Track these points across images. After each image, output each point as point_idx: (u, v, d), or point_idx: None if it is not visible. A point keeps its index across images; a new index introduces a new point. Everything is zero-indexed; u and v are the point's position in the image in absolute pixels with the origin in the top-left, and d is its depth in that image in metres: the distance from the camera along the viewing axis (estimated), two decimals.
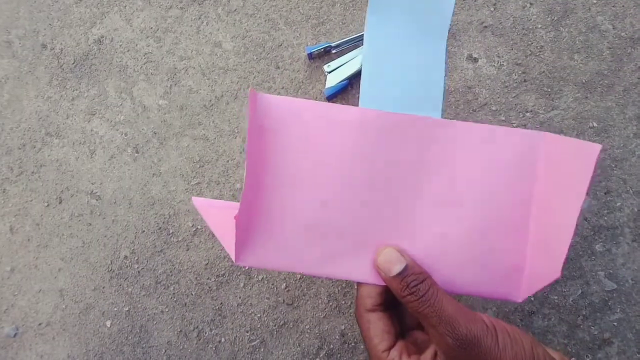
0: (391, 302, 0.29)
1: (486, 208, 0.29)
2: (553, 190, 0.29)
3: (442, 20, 0.33)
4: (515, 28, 0.42)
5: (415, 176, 0.30)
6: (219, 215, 0.30)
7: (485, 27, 0.42)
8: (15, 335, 0.42)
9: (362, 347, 0.40)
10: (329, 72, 0.41)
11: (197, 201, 0.31)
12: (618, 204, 0.39)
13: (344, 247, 0.29)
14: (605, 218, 0.39)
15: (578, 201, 0.27)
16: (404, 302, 0.27)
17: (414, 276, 0.27)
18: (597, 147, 0.26)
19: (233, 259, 0.29)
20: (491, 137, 0.30)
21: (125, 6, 0.44)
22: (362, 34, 0.41)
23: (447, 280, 0.29)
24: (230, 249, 0.28)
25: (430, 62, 0.33)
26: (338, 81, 0.41)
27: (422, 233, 0.29)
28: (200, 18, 0.44)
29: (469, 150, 0.30)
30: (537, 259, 0.29)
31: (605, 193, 0.40)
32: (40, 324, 0.42)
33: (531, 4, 0.42)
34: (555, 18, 0.41)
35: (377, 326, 0.28)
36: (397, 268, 0.27)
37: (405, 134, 0.30)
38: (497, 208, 0.29)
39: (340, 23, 0.43)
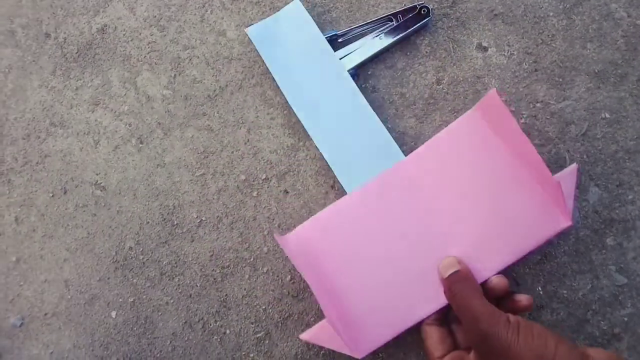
0: (447, 318, 0.35)
1: (490, 189, 0.36)
2: (509, 136, 0.35)
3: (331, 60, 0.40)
4: (527, 16, 0.41)
5: (427, 207, 0.37)
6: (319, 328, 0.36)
7: (496, 15, 0.41)
8: (21, 325, 0.42)
9: None
10: None
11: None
12: (630, 197, 0.39)
13: (414, 293, 0.35)
14: (617, 211, 0.39)
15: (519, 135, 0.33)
16: (448, 299, 0.33)
17: (456, 278, 0.33)
18: (493, 91, 0.34)
19: (357, 356, 0.34)
20: (446, 143, 0.37)
21: None
22: (369, 22, 0.40)
23: (503, 256, 0.35)
24: (346, 350, 0.34)
25: (357, 112, 0.39)
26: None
27: (457, 241, 0.36)
28: (204, 6, 0.43)
29: (444, 163, 0.37)
30: (550, 187, 0.34)
31: (617, 186, 0.39)
32: (46, 314, 0.42)
33: None
34: (568, 5, 0.40)
35: (433, 337, 0.34)
36: (449, 271, 0.33)
37: (396, 187, 0.37)
38: (497, 182, 0.36)
39: (347, 11, 0.42)
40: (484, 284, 0.34)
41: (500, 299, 0.34)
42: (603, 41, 0.40)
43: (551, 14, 0.40)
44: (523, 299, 0.33)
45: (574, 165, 0.36)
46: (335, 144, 0.39)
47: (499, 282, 0.34)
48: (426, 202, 0.37)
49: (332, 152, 0.39)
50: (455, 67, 0.41)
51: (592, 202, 0.39)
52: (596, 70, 0.40)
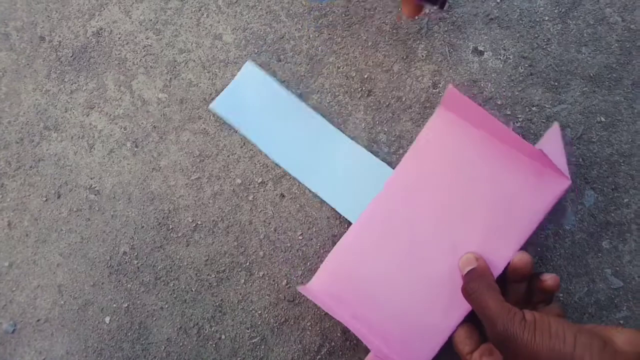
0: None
1: (483, 176, 0.36)
2: (482, 124, 0.36)
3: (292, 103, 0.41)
4: (522, 20, 0.41)
5: (429, 214, 0.37)
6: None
7: (491, 19, 0.41)
8: (13, 331, 0.41)
9: (363, 345, 0.39)
10: None
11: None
12: (625, 200, 0.39)
13: (443, 300, 0.36)
14: (612, 214, 0.39)
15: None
16: (465, 298, 0.33)
17: (471, 276, 0.33)
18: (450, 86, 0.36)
19: None
20: (426, 147, 0.38)
21: None
22: None
23: (515, 238, 0.35)
24: None
25: (338, 147, 0.40)
26: None
27: (467, 238, 0.36)
28: (200, 10, 0.43)
29: (432, 165, 0.37)
30: (538, 157, 0.34)
31: (612, 189, 0.39)
32: (38, 320, 0.41)
33: None
34: (563, 10, 0.41)
35: (461, 334, 0.34)
36: (467, 268, 0.34)
37: (395, 203, 0.38)
38: (488, 167, 0.36)
39: (343, 15, 0.42)
40: (507, 268, 0.34)
41: (529, 280, 0.34)
42: (598, 45, 0.40)
43: (546, 18, 0.41)
44: (548, 278, 0.33)
45: (555, 125, 0.37)
46: (328, 181, 0.40)
47: (520, 259, 0.34)
48: (428, 208, 0.37)
49: (328, 191, 0.40)
50: (451, 70, 0.41)
51: (587, 206, 0.39)
52: (591, 74, 0.40)
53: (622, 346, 0.27)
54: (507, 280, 0.35)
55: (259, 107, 0.41)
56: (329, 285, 0.37)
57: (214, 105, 0.41)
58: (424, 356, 0.35)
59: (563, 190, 0.34)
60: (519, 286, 0.34)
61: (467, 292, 0.33)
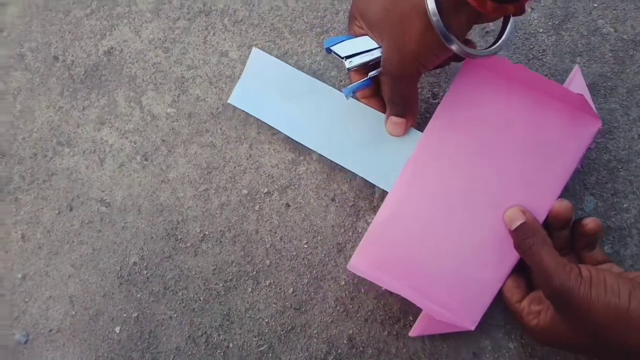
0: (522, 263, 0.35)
1: (516, 125, 0.36)
2: (509, 74, 0.36)
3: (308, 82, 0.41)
4: (517, 33, 0.42)
5: (466, 172, 0.37)
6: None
7: (487, 32, 0.43)
8: (26, 341, 0.42)
9: (370, 352, 0.40)
10: (351, 69, 0.36)
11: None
12: (625, 205, 0.39)
13: (488, 258, 0.36)
14: (613, 219, 0.39)
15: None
16: (519, 254, 0.34)
17: (524, 232, 0.33)
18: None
19: (470, 327, 0.36)
20: (455, 102, 0.38)
21: (134, 18, 0.46)
22: None
23: (554, 184, 0.35)
24: (457, 327, 0.36)
25: (360, 117, 0.40)
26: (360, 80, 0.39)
27: (508, 191, 0.36)
28: (207, 29, 0.45)
29: (463, 121, 0.37)
30: (569, 99, 0.35)
31: (612, 194, 0.39)
32: (50, 331, 0.42)
33: (532, 8, 0.42)
34: (557, 22, 0.42)
35: (510, 284, 0.35)
36: (516, 223, 0.34)
37: (428, 165, 0.38)
38: (520, 115, 0.36)
39: (344, 31, 0.44)
40: (549, 216, 0.35)
41: (571, 227, 0.35)
42: (592, 55, 0.41)
43: (541, 30, 0.42)
44: (589, 222, 0.34)
45: (575, 69, 0.37)
46: (356, 154, 0.39)
47: (560, 206, 0.34)
48: (462, 166, 0.37)
49: (358, 163, 0.39)
50: (449, 82, 0.42)
51: (588, 211, 0.40)
52: (587, 84, 0.41)
53: None
54: (550, 227, 0.35)
55: (275, 91, 0.41)
56: (375, 258, 0.37)
57: (233, 100, 0.41)
58: (478, 311, 0.36)
59: (596, 131, 0.35)
60: (561, 233, 0.35)
61: (522, 249, 0.33)
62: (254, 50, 0.42)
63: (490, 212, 0.36)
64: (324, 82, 0.42)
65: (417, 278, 0.37)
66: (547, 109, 0.36)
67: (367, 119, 0.40)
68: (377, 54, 0.35)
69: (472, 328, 0.36)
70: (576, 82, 0.36)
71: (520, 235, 0.33)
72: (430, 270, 0.37)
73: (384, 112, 0.38)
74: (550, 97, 0.36)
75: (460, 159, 0.37)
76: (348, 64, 0.35)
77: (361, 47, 0.35)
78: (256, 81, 0.41)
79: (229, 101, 0.42)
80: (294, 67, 0.41)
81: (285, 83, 0.41)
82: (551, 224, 0.35)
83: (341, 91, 0.39)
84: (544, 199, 0.35)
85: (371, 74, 0.36)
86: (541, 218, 0.35)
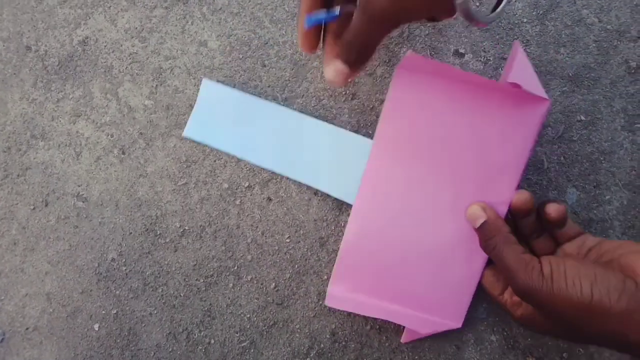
0: None
1: (463, 122, 0.36)
2: (445, 75, 0.35)
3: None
4: (501, 23, 0.41)
5: (421, 176, 0.36)
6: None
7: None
8: (2, 340, 0.41)
9: (352, 346, 0.40)
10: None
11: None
12: (607, 197, 0.39)
13: (461, 256, 0.36)
14: (595, 211, 0.39)
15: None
16: (485, 253, 0.34)
17: (487, 232, 0.33)
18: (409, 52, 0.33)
19: (458, 325, 0.37)
20: (398, 108, 0.36)
21: (110, 7, 0.44)
22: None
23: (512, 172, 0.35)
24: (446, 326, 0.37)
25: (313, 132, 0.40)
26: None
27: (466, 189, 0.36)
28: (185, 17, 0.43)
29: (409, 126, 0.36)
30: (510, 86, 0.34)
31: (594, 186, 0.39)
32: (27, 329, 0.41)
33: None
34: (541, 12, 0.41)
35: (488, 277, 0.35)
36: (479, 222, 0.34)
37: (383, 173, 0.37)
38: (466, 111, 0.35)
39: None
40: (511, 208, 0.35)
41: (537, 211, 0.34)
42: (576, 46, 0.41)
43: (525, 20, 0.41)
44: (552, 211, 0.33)
45: (515, 44, 0.35)
46: (315, 170, 0.40)
47: (519, 199, 0.34)
48: (419, 171, 0.36)
49: (318, 179, 0.40)
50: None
51: (570, 204, 0.39)
52: (570, 74, 0.40)
53: None
54: (514, 217, 0.35)
55: (229, 119, 0.41)
56: (351, 281, 0.37)
57: (187, 133, 0.41)
58: (462, 308, 0.36)
59: (544, 112, 0.34)
60: (527, 220, 0.35)
61: (486, 249, 0.33)
62: (204, 81, 0.42)
63: (453, 211, 0.36)
64: (305, 74, 0.41)
65: (394, 289, 0.37)
66: (490, 101, 0.35)
67: (323, 135, 0.40)
68: None
69: (459, 325, 0.37)
70: (519, 60, 0.35)
71: (483, 235, 0.33)
72: (407, 279, 0.37)
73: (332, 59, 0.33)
74: (492, 88, 0.35)
75: (415, 164, 0.36)
76: None
77: None
78: (209, 111, 0.42)
79: (183, 134, 0.41)
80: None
81: (238, 109, 0.41)
82: (514, 214, 0.35)
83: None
84: (504, 191, 0.35)
85: (343, 6, 0.33)
86: (503, 211, 0.35)
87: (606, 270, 0.28)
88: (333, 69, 0.32)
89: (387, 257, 0.37)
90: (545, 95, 0.33)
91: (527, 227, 0.35)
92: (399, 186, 0.37)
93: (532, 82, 0.33)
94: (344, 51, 0.32)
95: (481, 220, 0.34)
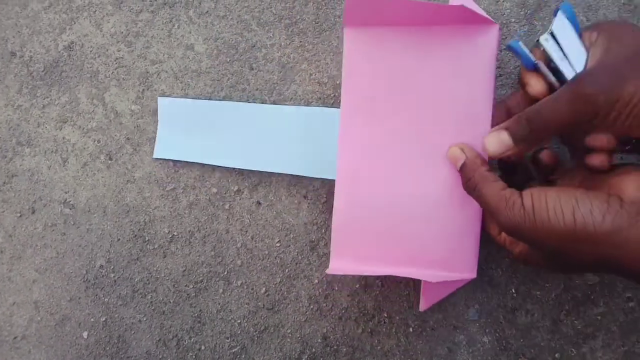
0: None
1: (421, 66, 0.34)
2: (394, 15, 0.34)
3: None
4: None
5: (396, 128, 0.35)
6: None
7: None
8: None
9: (344, 350, 0.39)
10: (540, 46, 0.31)
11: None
12: None
13: (457, 196, 0.34)
14: None
15: None
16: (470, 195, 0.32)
17: (466, 173, 0.31)
18: None
19: (473, 276, 0.34)
20: (357, 69, 0.35)
21: (95, 11, 0.44)
22: None
23: (484, 102, 0.33)
24: (463, 281, 0.35)
25: (277, 119, 0.39)
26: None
27: (442, 131, 0.34)
28: (171, 21, 0.43)
29: (370, 85, 0.35)
30: (457, 13, 0.33)
31: None
32: (15, 338, 0.41)
33: None
34: (529, 12, 0.41)
35: (485, 218, 0.34)
36: (458, 164, 0.32)
37: (356, 140, 0.36)
38: (423, 55, 0.34)
39: (314, 22, 0.43)
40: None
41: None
42: None
43: (513, 20, 0.41)
44: (544, 155, 0.32)
45: None
46: (293, 156, 0.39)
47: (497, 150, 0.31)
48: (393, 126, 0.35)
49: (296, 166, 0.39)
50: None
51: None
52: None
53: (633, 193, 0.25)
54: (504, 167, 0.35)
55: (194, 130, 0.41)
56: (351, 251, 0.36)
57: (157, 154, 0.41)
58: (472, 257, 0.35)
59: (497, 37, 0.33)
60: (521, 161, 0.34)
61: (468, 191, 0.32)
62: (159, 99, 0.42)
63: (437, 158, 0.34)
64: (293, 77, 0.40)
65: (399, 252, 0.35)
66: (441, 40, 0.34)
67: (288, 119, 0.39)
68: (570, 68, 0.29)
69: (474, 275, 0.35)
70: None
71: (464, 176, 0.32)
72: (408, 238, 0.35)
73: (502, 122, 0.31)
74: (437, 24, 0.34)
75: (387, 120, 0.35)
76: (544, 40, 0.30)
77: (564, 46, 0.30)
78: (172, 127, 0.41)
79: (154, 156, 0.41)
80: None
81: (198, 118, 0.41)
82: (506, 160, 0.34)
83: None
84: (481, 124, 0.33)
85: (546, 71, 0.30)
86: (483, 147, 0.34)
87: (588, 193, 0.26)
88: (497, 139, 0.30)
89: (383, 220, 0.35)
90: (490, 19, 0.33)
91: (522, 172, 0.34)
92: (377, 146, 0.35)
93: (475, 7, 0.33)
94: (517, 125, 0.29)
95: (461, 162, 0.32)
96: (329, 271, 0.34)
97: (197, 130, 0.41)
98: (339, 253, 0.36)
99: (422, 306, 0.36)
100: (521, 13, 0.41)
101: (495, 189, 0.29)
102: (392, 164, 0.35)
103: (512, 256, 0.33)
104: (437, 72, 0.34)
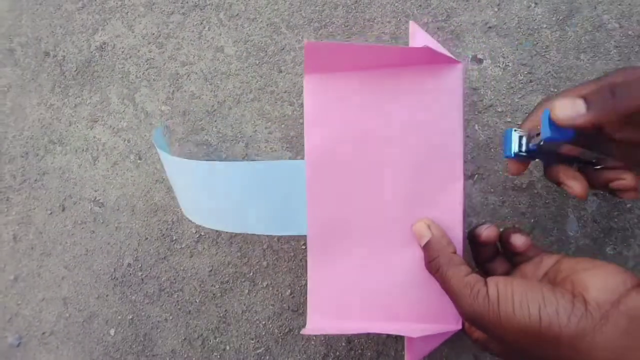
0: None
1: (387, 116, 0.33)
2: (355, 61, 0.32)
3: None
4: (520, 28, 0.41)
5: (363, 178, 0.33)
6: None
7: (490, 27, 0.42)
8: (18, 344, 0.41)
9: (369, 354, 0.39)
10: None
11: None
12: (628, 205, 0.39)
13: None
14: (616, 220, 0.39)
15: None
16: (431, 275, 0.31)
17: (430, 253, 0.30)
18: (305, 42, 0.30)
19: (459, 327, 0.33)
20: (318, 120, 0.33)
21: (127, 12, 0.44)
22: None
23: (453, 158, 0.32)
24: (449, 332, 0.33)
25: (249, 177, 0.34)
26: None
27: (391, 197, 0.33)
28: (202, 23, 0.44)
29: (331, 135, 0.33)
30: (420, 55, 0.31)
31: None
32: (43, 333, 0.41)
33: (536, 3, 0.41)
34: (561, 17, 0.41)
35: None
36: (423, 241, 0.31)
37: (325, 191, 0.33)
38: (386, 102, 0.33)
39: (343, 26, 0.43)
40: (475, 237, 0.32)
41: (502, 243, 0.32)
42: (596, 52, 0.40)
43: (544, 25, 0.41)
44: (518, 242, 0.31)
45: (410, 24, 0.34)
46: (270, 217, 0.35)
47: (487, 236, 0.32)
48: (361, 177, 0.33)
49: (272, 226, 0.35)
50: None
51: (590, 212, 0.39)
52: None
53: (597, 295, 0.25)
54: (474, 246, 0.33)
55: (185, 186, 0.36)
56: (329, 308, 0.34)
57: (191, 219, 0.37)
58: (453, 308, 0.32)
59: (462, 75, 0.32)
60: (488, 247, 0.33)
61: (430, 270, 0.31)
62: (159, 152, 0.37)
63: (412, 206, 0.33)
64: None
65: (379, 305, 0.34)
66: (404, 80, 0.32)
67: (249, 176, 0.34)
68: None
69: (460, 326, 0.33)
70: (419, 37, 0.33)
71: (427, 255, 0.31)
72: (389, 293, 0.34)
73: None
74: (402, 66, 0.32)
75: (355, 169, 0.33)
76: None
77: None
78: (195, 192, 0.36)
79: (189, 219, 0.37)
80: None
81: (186, 174, 0.36)
82: (476, 242, 0.33)
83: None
84: (451, 175, 0.32)
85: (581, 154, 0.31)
86: (456, 211, 0.32)
87: (554, 291, 0.26)
88: (571, 103, 0.28)
89: (361, 274, 0.34)
90: (454, 58, 0.31)
91: (486, 253, 0.33)
92: (348, 196, 0.33)
93: (438, 47, 0.32)
94: (598, 94, 0.28)
95: (425, 239, 0.31)
96: (304, 331, 0.33)
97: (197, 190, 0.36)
98: (316, 311, 0.34)
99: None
100: (553, 19, 0.41)
101: (460, 274, 0.28)
102: (364, 215, 0.33)
103: (471, 340, 0.32)
104: (406, 111, 0.33)
